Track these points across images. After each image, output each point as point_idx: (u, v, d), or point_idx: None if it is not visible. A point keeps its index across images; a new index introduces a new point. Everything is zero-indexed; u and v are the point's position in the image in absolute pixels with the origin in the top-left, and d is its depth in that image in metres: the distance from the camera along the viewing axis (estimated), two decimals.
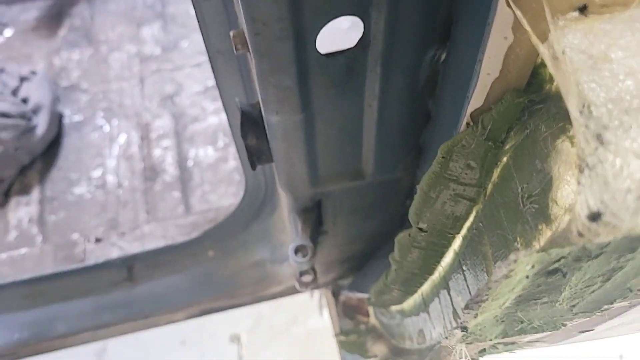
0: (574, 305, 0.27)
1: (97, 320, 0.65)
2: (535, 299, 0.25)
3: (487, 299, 0.23)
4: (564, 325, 0.31)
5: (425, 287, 0.42)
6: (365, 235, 0.64)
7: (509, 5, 0.20)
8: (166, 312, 0.67)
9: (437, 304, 0.39)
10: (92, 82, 0.95)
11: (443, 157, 0.28)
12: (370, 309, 0.65)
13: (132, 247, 0.70)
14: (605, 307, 0.28)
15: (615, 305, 0.28)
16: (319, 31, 0.30)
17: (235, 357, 1.81)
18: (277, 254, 0.65)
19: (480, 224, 0.30)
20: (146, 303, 0.66)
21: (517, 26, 0.21)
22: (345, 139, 0.45)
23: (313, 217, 0.52)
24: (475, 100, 0.25)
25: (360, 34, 0.32)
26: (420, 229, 0.34)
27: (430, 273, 0.39)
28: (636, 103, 0.18)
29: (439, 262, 0.37)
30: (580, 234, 0.18)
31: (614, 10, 0.20)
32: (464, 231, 0.32)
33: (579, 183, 0.18)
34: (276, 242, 0.65)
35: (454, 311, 0.35)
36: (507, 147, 0.26)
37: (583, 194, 0.17)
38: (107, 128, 0.91)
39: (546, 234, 0.22)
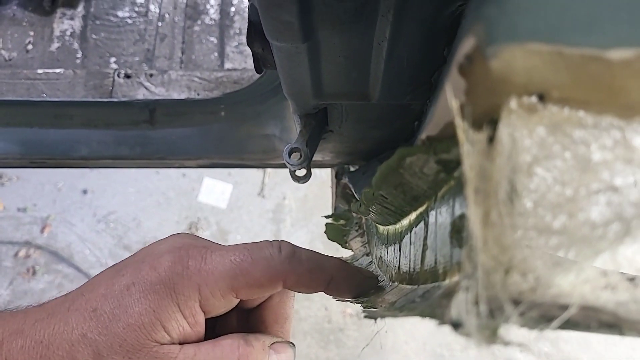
0: None
1: (116, 152, 0.70)
2: None
3: (386, 317, 0.25)
4: None
5: (390, 229, 0.44)
6: (371, 139, 0.65)
7: (461, 74, 0.19)
8: (179, 158, 0.72)
9: (392, 250, 0.42)
10: None
11: (399, 159, 0.28)
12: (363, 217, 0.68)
13: (158, 91, 0.72)
14: None
15: None
16: None
17: (259, 183, 1.95)
18: (285, 136, 0.67)
19: (427, 219, 0.31)
20: (162, 146, 0.70)
21: (469, 93, 0.20)
22: (352, 66, 0.44)
23: (314, 122, 0.52)
24: (429, 129, 0.24)
25: None
26: (382, 195, 0.35)
27: (393, 223, 0.41)
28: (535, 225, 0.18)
29: (399, 221, 0.39)
30: (449, 324, 0.19)
31: (573, 106, 0.19)
32: (417, 212, 0.34)
33: (457, 286, 0.19)
34: (287, 124, 0.66)
35: (398, 268, 0.38)
36: (455, 174, 0.26)
37: (455, 298, 0.18)
38: None
39: (439, 289, 0.23)
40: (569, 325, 0.19)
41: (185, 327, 0.37)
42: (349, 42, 0.39)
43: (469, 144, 0.18)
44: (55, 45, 0.84)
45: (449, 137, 0.24)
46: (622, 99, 0.19)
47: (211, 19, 0.85)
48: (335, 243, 0.70)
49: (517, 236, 0.18)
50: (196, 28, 0.85)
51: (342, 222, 0.71)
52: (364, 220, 0.66)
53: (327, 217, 0.73)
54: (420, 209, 0.33)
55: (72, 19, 0.85)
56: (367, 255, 0.58)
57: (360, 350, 1.68)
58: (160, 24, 0.84)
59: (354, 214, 0.72)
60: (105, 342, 0.35)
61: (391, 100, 0.48)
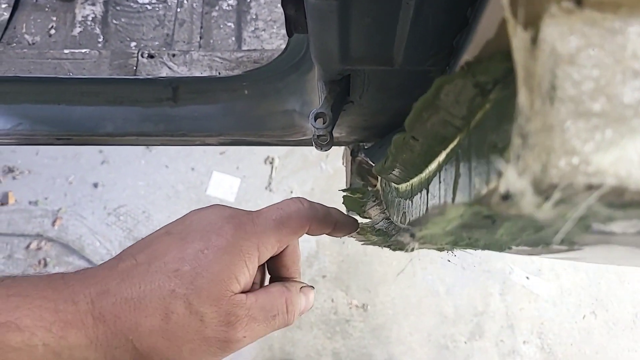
0: (514, 239, 0.32)
1: (140, 128, 0.73)
2: (475, 228, 0.30)
3: (427, 224, 0.28)
4: (509, 248, 0.36)
5: (415, 180, 0.47)
6: (390, 111, 0.67)
7: None
8: (201, 135, 0.74)
9: (418, 199, 0.44)
10: None
11: (436, 89, 0.31)
12: (379, 179, 0.71)
13: (180, 70, 0.75)
14: (543, 245, 0.32)
15: (554, 246, 0.33)
16: None
17: (266, 177, 1.97)
18: (305, 109, 0.70)
19: (459, 151, 0.33)
20: (184, 123, 0.73)
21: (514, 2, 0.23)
22: (378, 28, 0.46)
23: (339, 89, 0.55)
24: (469, 53, 0.26)
25: None
26: (413, 137, 0.38)
27: (420, 172, 0.44)
28: (583, 108, 0.21)
29: (426, 167, 0.41)
30: (496, 205, 0.22)
31: (607, 9, 0.22)
32: (448, 150, 0.36)
33: (506, 162, 0.21)
34: (307, 98, 0.69)
35: (426, 212, 0.40)
36: (491, 96, 0.28)
37: (505, 174, 0.21)
38: None
39: (480, 190, 0.26)
40: (601, 203, 0.22)
41: (248, 278, 0.46)
42: (378, 1, 0.41)
43: (517, 39, 0.21)
44: (77, 29, 0.86)
45: (487, 57, 0.27)
46: None
47: (228, 4, 0.88)
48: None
49: (559, 121, 0.21)
50: (214, 14, 0.87)
51: (358, 195, 0.74)
52: (381, 191, 0.69)
53: (343, 190, 0.75)
54: (452, 145, 0.35)
55: (93, 4, 0.88)
56: (387, 219, 0.60)
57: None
58: (179, 9, 0.87)
59: (370, 189, 0.74)
60: (194, 294, 0.43)
61: (413, 65, 0.51)
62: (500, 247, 0.35)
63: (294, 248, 0.54)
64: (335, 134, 0.74)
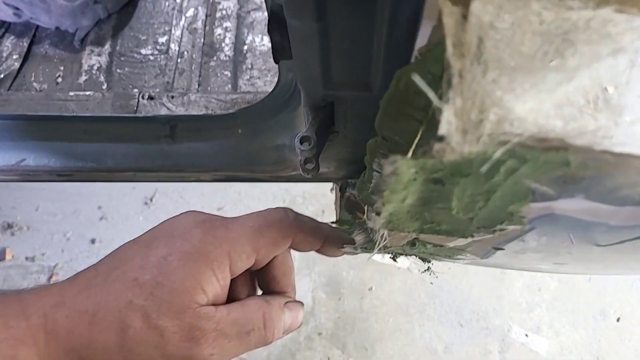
0: (471, 219, 0.34)
1: (139, 164, 0.76)
2: (432, 203, 0.33)
3: (385, 190, 0.31)
4: (472, 236, 0.38)
5: None
6: None
7: None
8: (196, 171, 0.78)
9: None
10: None
11: (396, 81, 0.35)
12: (366, 208, 0.74)
13: (178, 110, 0.80)
14: (499, 226, 0.35)
15: (509, 227, 0.35)
16: None
17: None
18: (294, 143, 0.74)
19: (420, 143, 0.37)
20: (181, 160, 0.76)
21: None
22: (356, 52, 0.51)
23: (323, 115, 0.59)
24: (420, 40, 0.31)
25: None
26: (384, 138, 0.41)
27: None
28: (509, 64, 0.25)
29: None
30: (436, 151, 0.25)
31: None
32: (413, 146, 0.40)
33: (443, 106, 0.25)
34: (296, 132, 0.73)
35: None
36: (443, 80, 0.32)
37: (442, 117, 0.25)
38: (178, 0, 0.99)
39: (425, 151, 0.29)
40: (525, 147, 0.25)
41: (217, 289, 0.42)
42: (354, 24, 0.46)
43: (448, 13, 0.25)
44: (83, 78, 0.93)
45: (435, 44, 0.31)
46: None
47: (226, 55, 0.94)
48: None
49: (486, 79, 0.25)
50: (212, 63, 0.94)
51: (346, 226, 0.77)
52: (366, 219, 0.72)
53: (332, 222, 0.78)
54: (416, 140, 0.39)
55: (99, 55, 0.95)
56: (371, 241, 0.63)
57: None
58: (179, 60, 0.94)
59: (357, 221, 0.77)
60: (153, 306, 0.39)
61: None
62: (462, 233, 0.38)
63: (284, 259, 0.50)
64: (324, 169, 0.77)
